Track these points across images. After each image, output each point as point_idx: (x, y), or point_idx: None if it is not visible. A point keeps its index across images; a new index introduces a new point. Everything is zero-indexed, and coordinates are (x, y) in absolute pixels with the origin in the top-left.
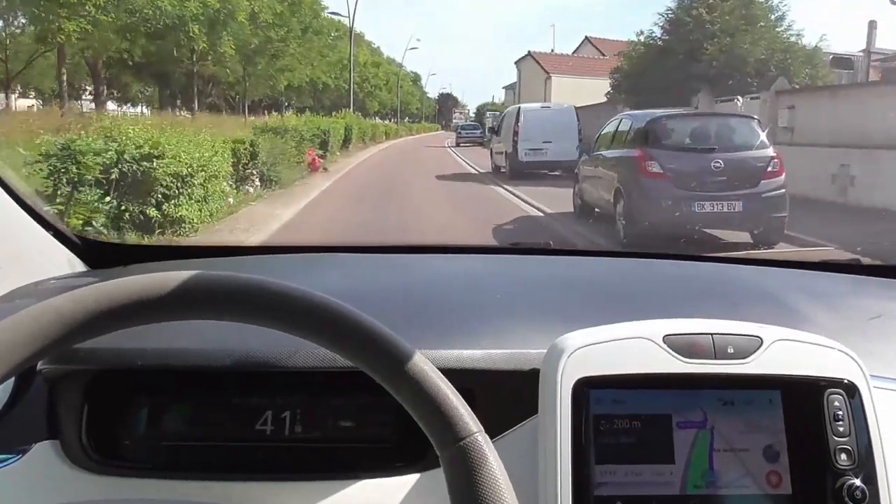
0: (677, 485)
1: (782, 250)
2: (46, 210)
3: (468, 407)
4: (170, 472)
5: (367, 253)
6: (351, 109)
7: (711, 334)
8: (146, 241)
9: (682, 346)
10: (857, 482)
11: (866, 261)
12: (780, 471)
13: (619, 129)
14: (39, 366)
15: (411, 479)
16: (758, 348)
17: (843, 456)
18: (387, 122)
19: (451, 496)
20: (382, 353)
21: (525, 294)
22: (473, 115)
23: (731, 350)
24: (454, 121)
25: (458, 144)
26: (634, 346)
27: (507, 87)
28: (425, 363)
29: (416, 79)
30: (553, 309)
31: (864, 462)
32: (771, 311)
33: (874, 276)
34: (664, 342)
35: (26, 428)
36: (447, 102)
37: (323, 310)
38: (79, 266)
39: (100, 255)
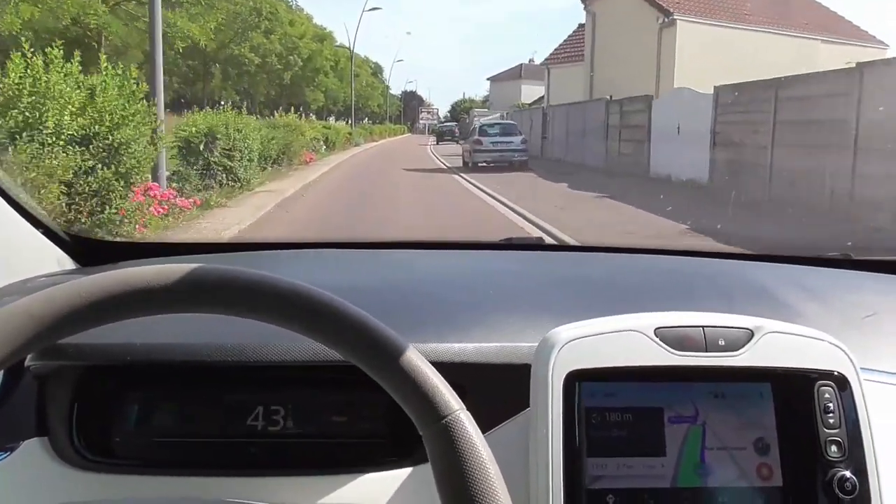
0: (669, 478)
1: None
2: (35, 206)
3: (449, 386)
4: (161, 469)
5: (360, 249)
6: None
7: (703, 327)
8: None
9: (674, 338)
10: (848, 474)
11: (858, 255)
12: (771, 463)
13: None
14: (28, 362)
15: (404, 472)
16: (749, 340)
17: (834, 448)
18: (332, 122)
19: (435, 475)
20: (361, 336)
21: (517, 289)
22: (447, 115)
23: (722, 342)
24: (421, 121)
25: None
26: (625, 338)
27: (493, 79)
28: (404, 345)
29: (376, 70)
30: (545, 304)
31: (855, 454)
32: (763, 305)
33: (866, 271)
34: (655, 335)
35: (14, 425)
36: (412, 101)
37: (299, 296)
38: (69, 264)
39: (90, 253)
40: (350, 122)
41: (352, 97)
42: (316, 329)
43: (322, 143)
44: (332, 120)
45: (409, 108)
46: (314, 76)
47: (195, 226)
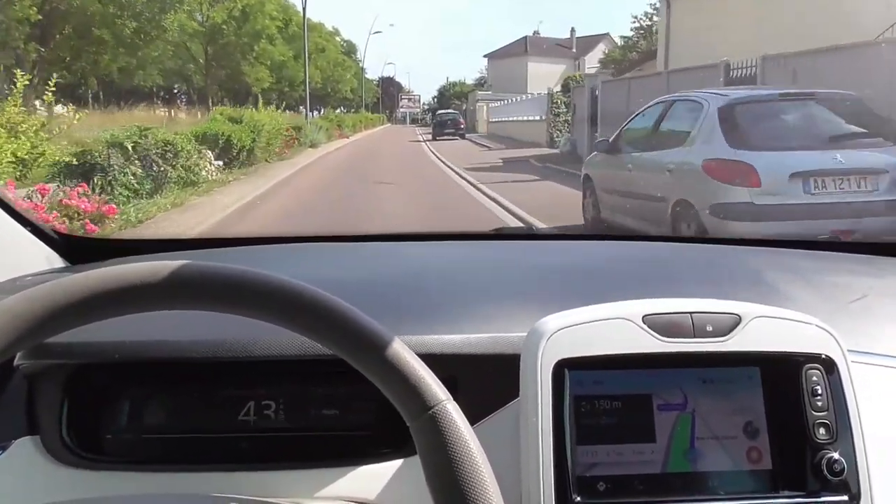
0: (659, 463)
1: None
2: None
3: (435, 377)
4: (152, 465)
5: (347, 242)
6: None
7: (690, 313)
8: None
9: (662, 325)
10: (836, 455)
11: (846, 238)
12: (760, 447)
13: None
14: (17, 361)
15: (396, 464)
16: (736, 326)
17: (822, 430)
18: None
19: (423, 465)
20: (345, 329)
21: (506, 279)
22: (433, 101)
23: (710, 328)
24: (401, 110)
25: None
26: (614, 326)
27: (491, 56)
28: (389, 336)
29: (349, 49)
30: (534, 293)
31: (843, 436)
32: (751, 290)
33: (853, 253)
34: (643, 322)
35: (5, 424)
36: (389, 88)
37: (283, 291)
38: (58, 262)
39: (78, 250)
40: (307, 110)
41: (305, 64)
42: (300, 323)
43: (208, 161)
44: (315, 113)
45: (387, 95)
46: (252, 43)
47: None
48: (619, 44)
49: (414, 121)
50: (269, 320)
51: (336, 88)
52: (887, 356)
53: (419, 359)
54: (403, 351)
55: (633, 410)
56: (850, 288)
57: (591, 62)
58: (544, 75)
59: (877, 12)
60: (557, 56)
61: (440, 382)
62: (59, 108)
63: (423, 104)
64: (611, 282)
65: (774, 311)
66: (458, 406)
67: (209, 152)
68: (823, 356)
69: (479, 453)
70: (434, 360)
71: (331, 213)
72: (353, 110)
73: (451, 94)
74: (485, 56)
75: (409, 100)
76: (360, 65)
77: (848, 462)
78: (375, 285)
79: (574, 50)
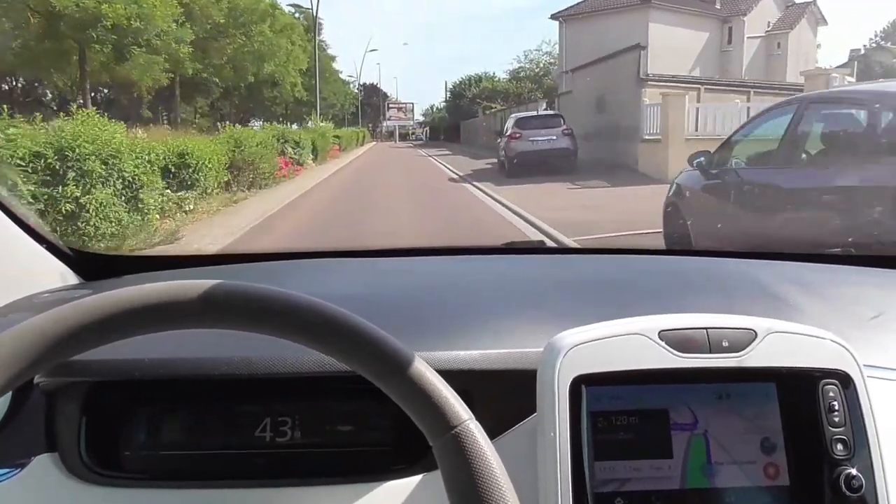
0: (677, 479)
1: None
2: (38, 222)
3: (458, 396)
4: (170, 482)
5: (361, 257)
6: None
7: (706, 328)
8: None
9: (678, 340)
10: (854, 471)
11: (858, 251)
12: (778, 462)
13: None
14: (36, 379)
15: (413, 480)
16: (752, 341)
17: (840, 446)
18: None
19: (446, 484)
20: (369, 349)
21: (520, 294)
22: (434, 111)
23: (725, 343)
24: (389, 122)
25: None
26: (630, 342)
27: (567, 16)
28: (412, 356)
29: (310, 25)
30: (548, 307)
31: (861, 451)
32: (765, 303)
33: (866, 266)
34: (659, 338)
35: (25, 441)
36: (372, 97)
37: (306, 310)
38: (71, 278)
39: (92, 267)
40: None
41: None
42: (322, 341)
43: None
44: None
45: (370, 105)
46: None
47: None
48: None
49: (403, 136)
50: (294, 339)
51: (275, 87)
52: None
53: (441, 377)
54: (426, 370)
55: (649, 426)
56: (864, 302)
57: (754, 28)
58: (676, 47)
59: None
60: (693, 15)
61: (462, 402)
62: None
63: (421, 114)
64: (624, 295)
65: (790, 325)
66: (480, 426)
67: None
68: (840, 371)
69: (501, 472)
70: (450, 376)
71: None
72: (294, 119)
73: (474, 94)
74: (553, 17)
75: (399, 109)
76: (323, 47)
77: (866, 478)
78: (390, 301)
79: (719, 6)
